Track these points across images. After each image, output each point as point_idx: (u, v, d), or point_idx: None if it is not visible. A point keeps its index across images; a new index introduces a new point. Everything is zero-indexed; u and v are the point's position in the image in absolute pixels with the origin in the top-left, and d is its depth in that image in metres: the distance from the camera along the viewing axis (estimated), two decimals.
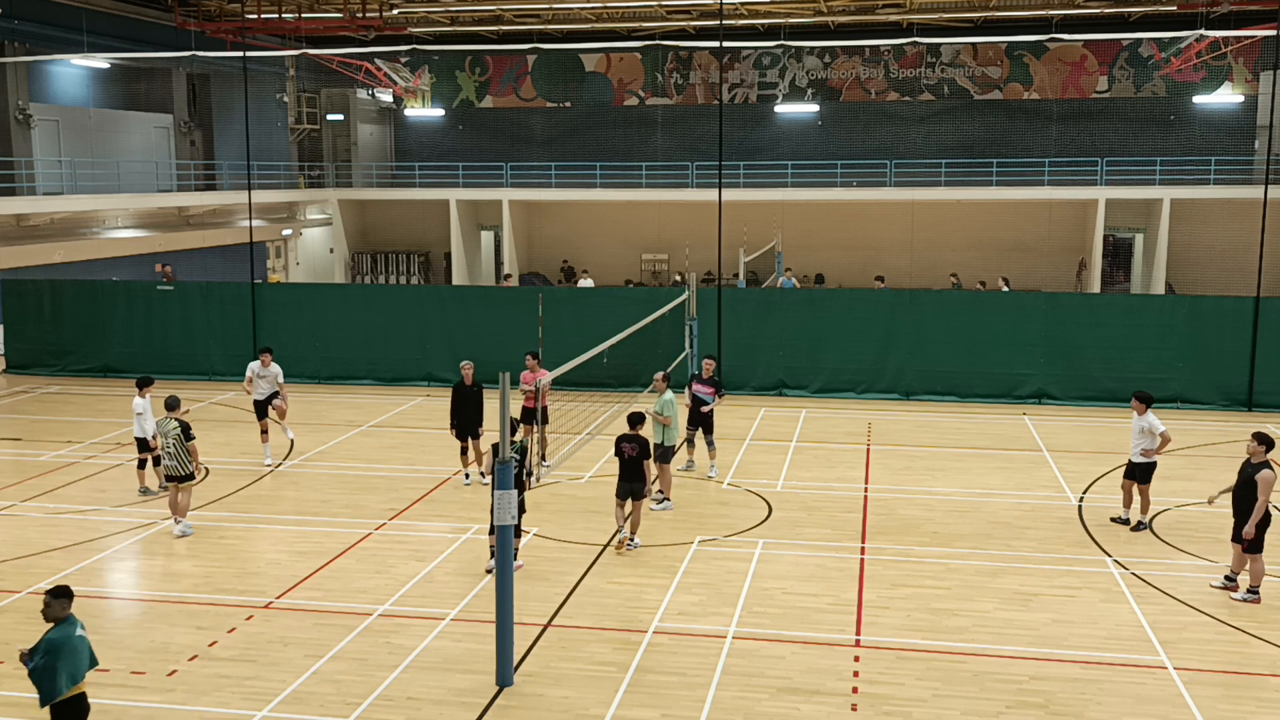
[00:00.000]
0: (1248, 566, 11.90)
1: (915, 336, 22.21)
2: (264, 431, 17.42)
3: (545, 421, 16.65)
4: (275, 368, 17.61)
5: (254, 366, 17.58)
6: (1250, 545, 11.75)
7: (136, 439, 15.79)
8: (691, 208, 38.93)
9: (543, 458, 16.26)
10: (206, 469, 16.26)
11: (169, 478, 14.09)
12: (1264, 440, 11.92)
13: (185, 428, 14.05)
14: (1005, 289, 28.74)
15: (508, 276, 38.36)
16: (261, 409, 17.55)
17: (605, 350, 13.95)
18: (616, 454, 13.36)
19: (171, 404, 14.32)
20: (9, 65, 30.35)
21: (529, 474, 12.10)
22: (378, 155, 44.61)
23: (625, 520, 13.52)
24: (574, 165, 41.61)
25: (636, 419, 13.56)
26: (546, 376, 15.75)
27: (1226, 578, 12.14)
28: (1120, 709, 9.43)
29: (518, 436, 13.06)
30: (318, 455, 18.04)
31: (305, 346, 24.02)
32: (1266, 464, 11.80)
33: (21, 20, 30.38)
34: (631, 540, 13.43)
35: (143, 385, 15.65)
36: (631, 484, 13.31)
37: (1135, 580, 12.37)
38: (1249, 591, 11.85)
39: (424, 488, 16.06)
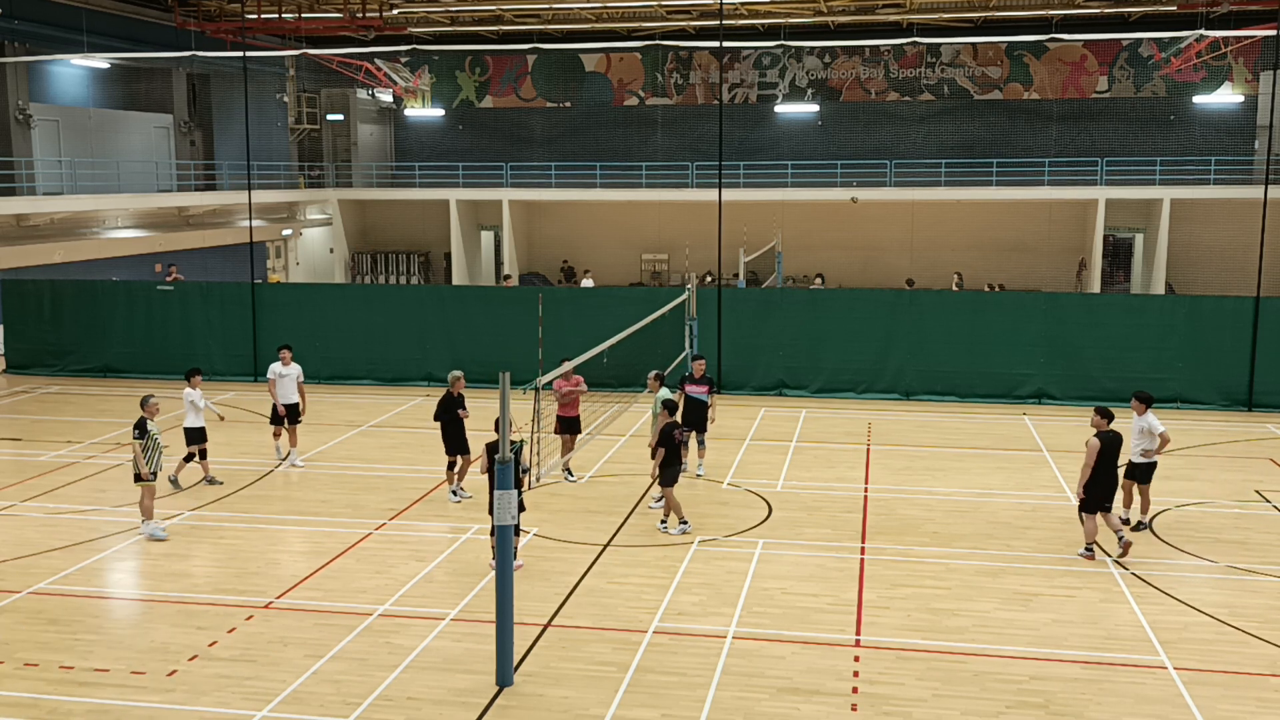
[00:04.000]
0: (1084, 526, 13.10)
1: (915, 336, 22.19)
2: (276, 435, 17.28)
3: (565, 431, 16.30)
4: (296, 367, 17.08)
5: (275, 367, 16.95)
6: (1082, 504, 12.99)
7: (185, 429, 15.85)
8: (691, 208, 38.92)
9: (537, 464, 16.15)
10: (155, 473, 15.14)
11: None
12: (1102, 413, 12.99)
13: (135, 424, 13.61)
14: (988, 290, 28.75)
15: (507, 277, 38.35)
16: (285, 414, 16.91)
17: (605, 350, 13.97)
18: (665, 442, 13.71)
19: (142, 402, 13.95)
20: (9, 65, 30.35)
21: (525, 470, 12.11)
22: (378, 155, 44.61)
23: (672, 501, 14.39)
24: (574, 165, 41.60)
25: (675, 407, 14.33)
26: (545, 379, 15.68)
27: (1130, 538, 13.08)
28: (1120, 709, 9.43)
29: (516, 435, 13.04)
30: (318, 455, 18.03)
31: (305, 346, 23.86)
32: (1101, 433, 12.75)
33: (21, 20, 30.38)
34: (663, 522, 14.18)
35: (190, 376, 15.67)
36: (679, 468, 14.10)
37: (1135, 580, 12.37)
38: (1085, 549, 13.03)
39: (424, 488, 16.05)
